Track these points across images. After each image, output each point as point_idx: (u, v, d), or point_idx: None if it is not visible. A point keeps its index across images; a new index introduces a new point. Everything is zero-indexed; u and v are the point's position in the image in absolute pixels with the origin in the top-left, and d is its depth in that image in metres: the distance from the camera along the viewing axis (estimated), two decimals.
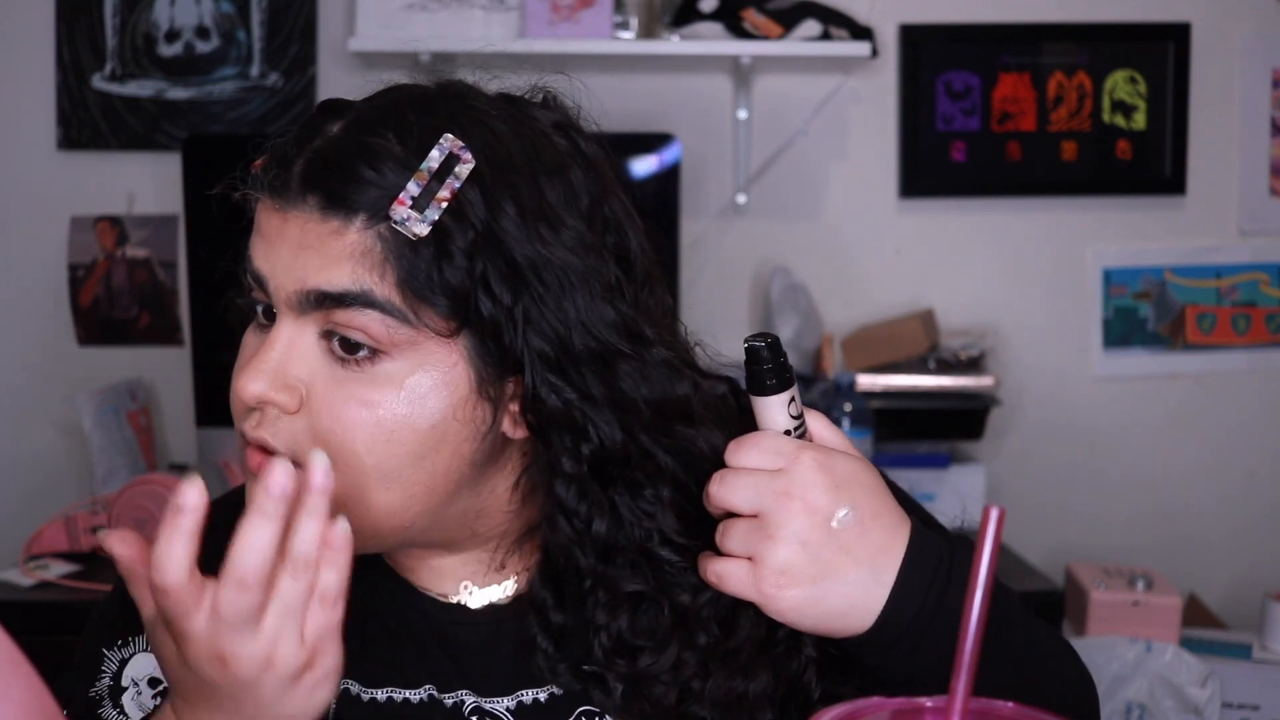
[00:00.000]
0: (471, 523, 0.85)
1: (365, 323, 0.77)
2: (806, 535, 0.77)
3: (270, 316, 0.81)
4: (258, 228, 0.81)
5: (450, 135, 0.78)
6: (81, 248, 2.49)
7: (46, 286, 2.50)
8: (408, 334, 0.78)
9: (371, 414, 0.78)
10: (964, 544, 0.82)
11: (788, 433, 0.82)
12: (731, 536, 0.79)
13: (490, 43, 2.30)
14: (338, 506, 0.75)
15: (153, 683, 0.90)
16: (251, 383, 0.78)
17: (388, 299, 0.77)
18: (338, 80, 2.47)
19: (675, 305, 0.91)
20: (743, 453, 0.80)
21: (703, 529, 0.83)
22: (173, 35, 2.48)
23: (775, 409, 0.81)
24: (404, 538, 0.84)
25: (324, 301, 0.77)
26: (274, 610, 0.71)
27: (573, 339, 0.79)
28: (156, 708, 0.80)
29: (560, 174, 0.81)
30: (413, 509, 0.81)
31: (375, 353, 0.78)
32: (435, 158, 0.77)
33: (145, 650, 0.90)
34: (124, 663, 0.90)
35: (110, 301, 2.50)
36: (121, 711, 0.89)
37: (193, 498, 0.70)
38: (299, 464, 0.74)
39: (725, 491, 0.80)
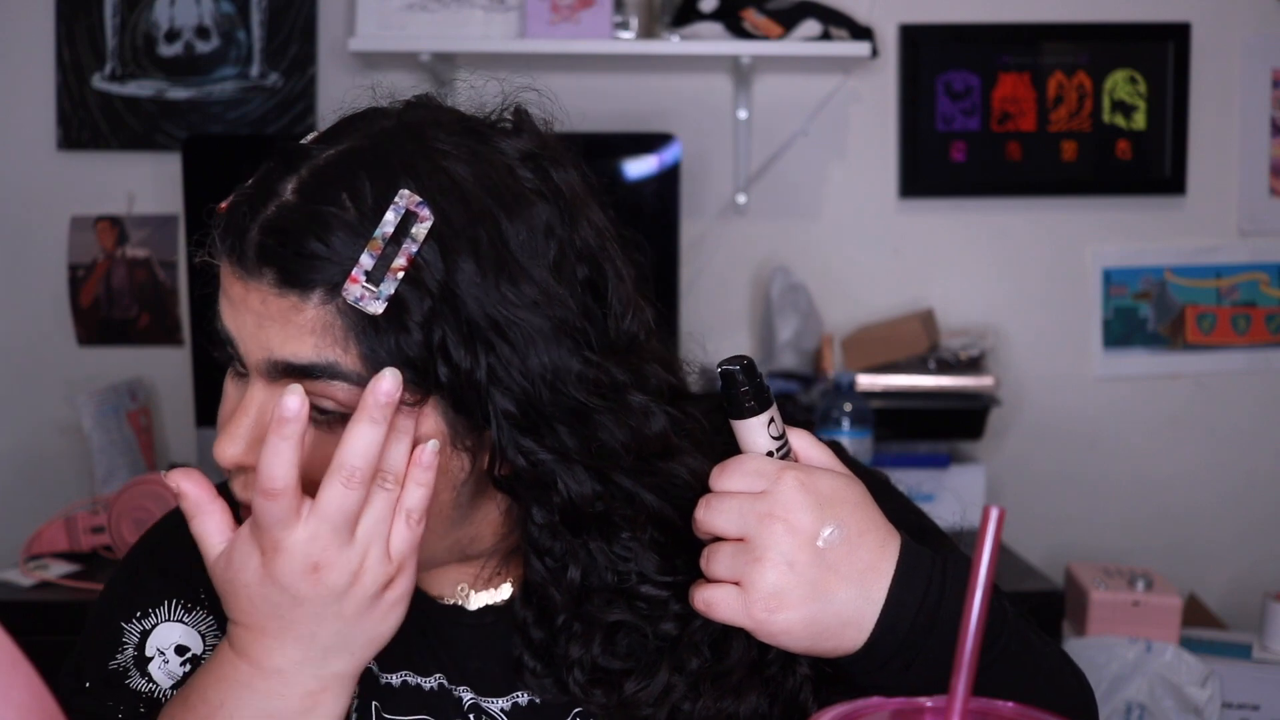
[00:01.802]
0: (465, 547, 0.86)
1: (333, 392, 0.76)
2: (793, 556, 0.77)
3: (246, 366, 0.80)
4: (223, 288, 0.79)
5: (406, 192, 0.76)
6: (81, 248, 2.49)
7: (46, 286, 2.50)
8: None
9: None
10: (956, 556, 0.81)
11: (770, 454, 0.81)
12: (718, 561, 0.79)
13: (490, 43, 2.30)
14: None
15: (180, 650, 0.90)
16: (229, 447, 0.78)
17: (353, 369, 0.76)
18: (338, 80, 2.47)
19: (675, 306, 0.91)
20: (725, 477, 0.80)
21: (692, 559, 0.82)
22: (173, 35, 2.48)
23: (755, 431, 0.81)
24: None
25: (291, 372, 0.76)
26: (366, 519, 0.75)
27: (540, 396, 0.77)
28: (214, 653, 0.81)
29: (524, 214, 0.78)
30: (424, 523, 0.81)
31: (347, 416, 0.77)
32: (390, 221, 0.75)
33: (169, 620, 0.91)
34: (145, 634, 0.90)
35: (110, 301, 2.50)
36: (150, 680, 0.89)
37: (295, 405, 0.73)
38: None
39: (710, 517, 0.79)
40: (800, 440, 0.83)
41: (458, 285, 0.75)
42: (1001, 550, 1.95)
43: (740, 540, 0.78)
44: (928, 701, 0.60)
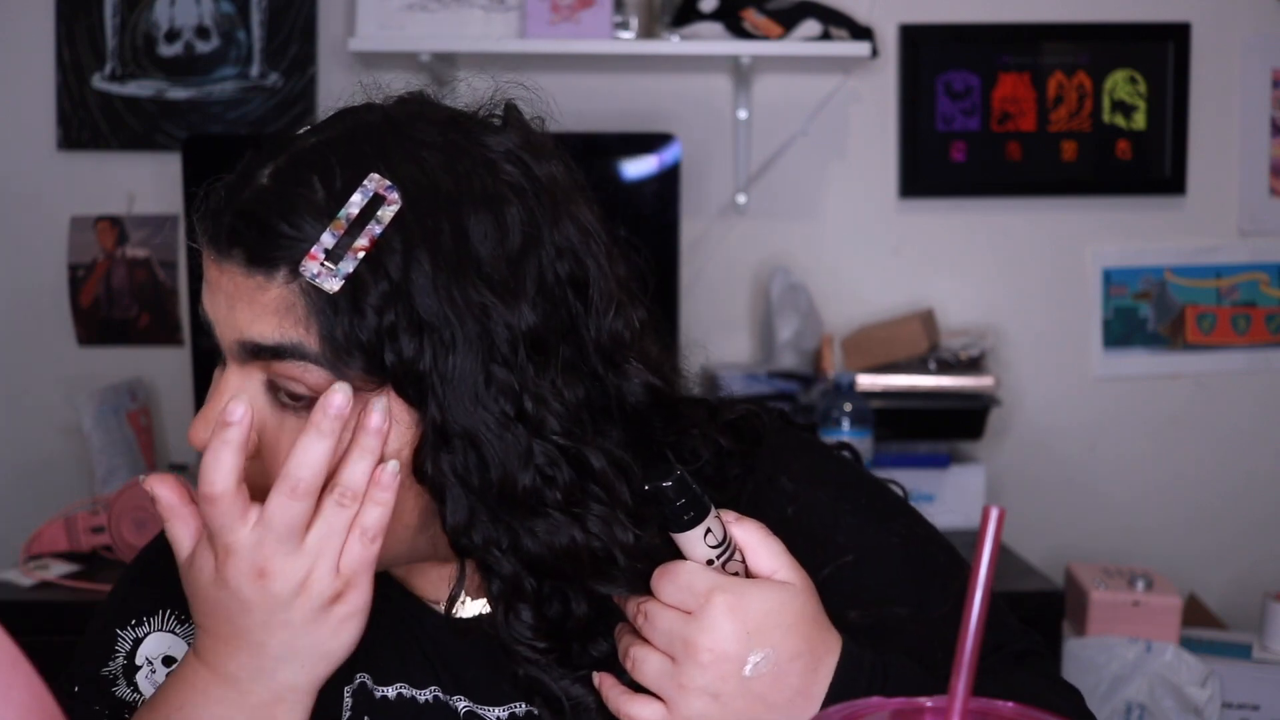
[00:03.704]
0: (436, 543, 0.85)
1: (300, 374, 0.77)
2: (717, 687, 0.76)
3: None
4: (204, 273, 0.81)
5: (376, 175, 0.77)
6: (81, 248, 2.49)
7: (46, 286, 2.50)
8: None
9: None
10: (900, 661, 0.80)
11: (710, 562, 0.79)
12: (646, 671, 0.78)
13: (490, 43, 2.30)
14: None
15: (167, 661, 0.91)
16: (200, 432, 0.78)
17: (317, 351, 0.76)
18: (338, 80, 2.47)
19: (675, 306, 0.90)
20: (661, 587, 0.79)
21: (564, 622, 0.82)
22: (173, 35, 2.48)
23: (693, 542, 0.79)
24: (385, 564, 0.83)
25: (260, 353, 0.77)
26: (316, 530, 0.76)
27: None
28: (183, 656, 0.82)
29: (492, 209, 0.78)
30: (383, 545, 0.80)
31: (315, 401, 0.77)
32: (357, 202, 0.76)
33: (160, 629, 0.91)
34: (138, 642, 0.91)
35: (110, 301, 2.50)
36: (136, 690, 0.90)
37: (238, 413, 0.74)
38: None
39: (646, 627, 0.79)
40: (749, 536, 0.80)
41: (412, 276, 0.76)
42: (1001, 550, 1.95)
43: (669, 656, 0.78)
44: (928, 701, 0.60)
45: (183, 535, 0.78)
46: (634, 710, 0.79)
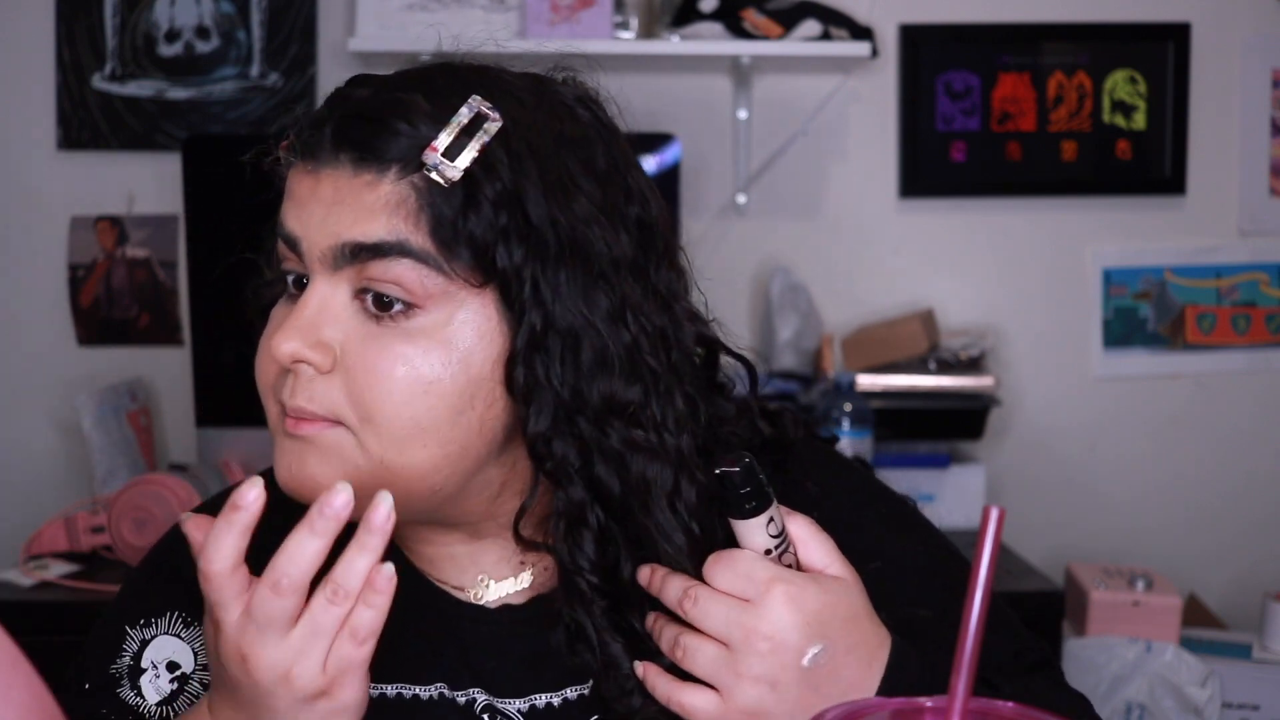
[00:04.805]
0: (493, 500, 0.85)
1: (400, 273, 0.77)
2: (776, 676, 0.76)
3: (301, 286, 0.81)
4: (289, 193, 0.81)
5: (478, 97, 0.79)
6: (81, 248, 2.49)
7: (46, 286, 2.50)
8: (441, 285, 0.78)
9: (407, 369, 0.78)
10: (945, 661, 0.80)
11: (768, 552, 0.79)
12: (698, 660, 0.78)
13: (490, 43, 2.30)
14: (373, 467, 0.78)
15: (171, 666, 0.90)
16: (285, 342, 0.78)
17: (422, 247, 0.77)
18: (338, 80, 2.45)
19: (692, 283, 0.92)
20: (717, 574, 0.79)
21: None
22: (173, 35, 2.48)
23: (754, 531, 0.79)
24: (431, 504, 0.83)
25: (359, 254, 0.77)
26: (303, 626, 0.73)
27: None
28: (196, 705, 0.82)
29: (582, 143, 0.82)
30: (445, 469, 0.80)
31: (410, 306, 0.78)
32: (465, 114, 0.78)
33: (167, 633, 0.91)
34: (145, 643, 0.91)
35: (110, 301, 2.50)
36: (139, 694, 0.89)
37: (251, 496, 0.72)
38: (342, 423, 0.78)
39: (697, 613, 0.78)
40: (802, 530, 0.81)
41: (523, 184, 0.78)
42: (1001, 550, 1.95)
43: (723, 644, 0.77)
44: (928, 702, 0.60)
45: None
46: (687, 698, 0.78)
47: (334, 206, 0.78)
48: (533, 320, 0.78)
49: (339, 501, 0.72)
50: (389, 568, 0.73)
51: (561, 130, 0.82)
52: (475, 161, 0.77)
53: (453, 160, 0.77)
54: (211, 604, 0.74)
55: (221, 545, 0.72)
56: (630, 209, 0.83)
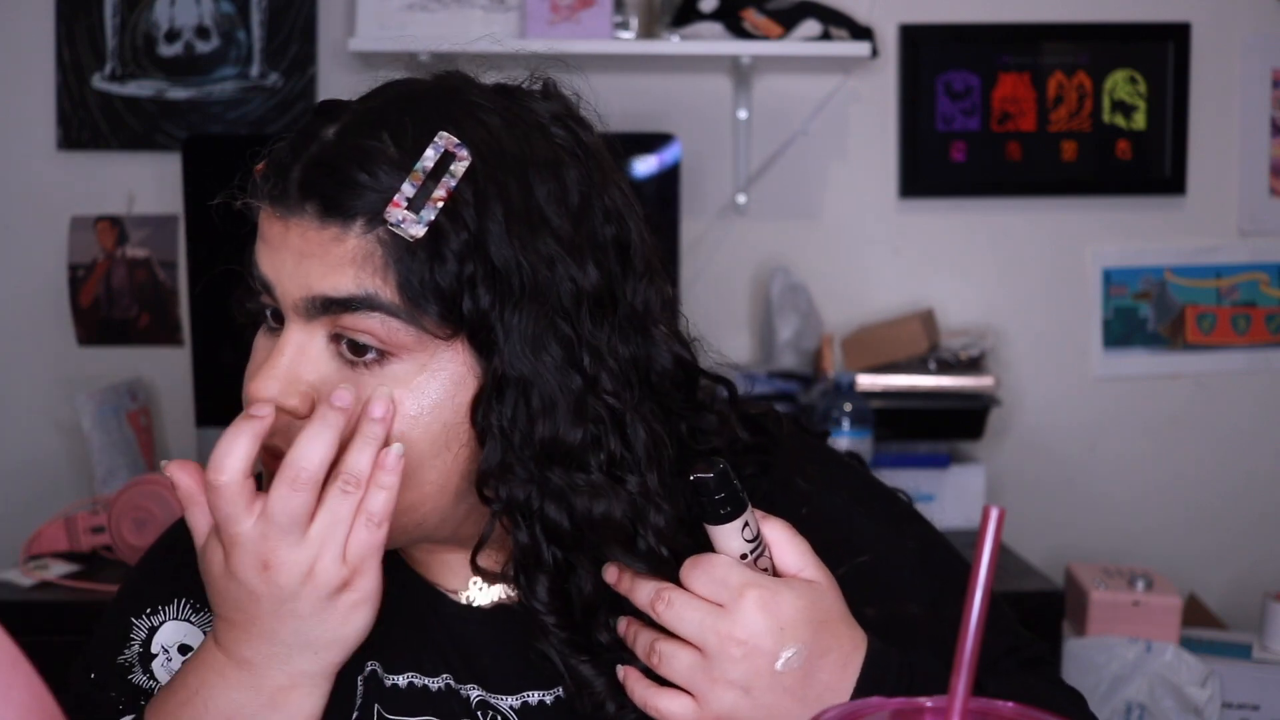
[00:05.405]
0: (480, 522, 0.85)
1: (371, 325, 0.77)
2: (750, 680, 0.77)
3: (279, 319, 0.82)
4: (261, 234, 0.81)
5: (445, 133, 0.78)
6: (81, 248, 2.49)
7: (46, 286, 2.50)
8: (413, 335, 0.78)
9: None
10: (924, 659, 0.80)
11: (744, 556, 0.79)
12: (673, 666, 0.78)
13: (490, 43, 2.30)
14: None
15: (183, 649, 0.91)
16: (264, 388, 0.79)
17: (391, 301, 0.77)
18: (338, 80, 2.47)
19: (676, 298, 0.91)
20: (692, 578, 0.79)
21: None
22: (173, 35, 2.48)
23: (729, 536, 0.79)
24: (415, 535, 0.85)
25: (330, 307, 0.78)
26: (321, 520, 0.76)
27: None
28: (202, 641, 0.83)
29: (553, 169, 0.81)
30: (425, 505, 0.82)
31: (383, 354, 0.79)
32: (430, 157, 0.77)
33: (175, 618, 0.92)
34: (153, 630, 0.92)
35: (110, 301, 2.50)
36: (152, 677, 0.90)
37: (266, 410, 0.75)
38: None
39: (671, 616, 0.78)
40: (778, 534, 0.81)
41: (488, 227, 0.77)
42: (1001, 550, 1.95)
43: (698, 650, 0.78)
44: (928, 702, 0.60)
45: (200, 522, 0.79)
46: (663, 703, 0.79)
47: (303, 257, 0.78)
48: (495, 366, 0.79)
49: (344, 395, 0.75)
50: (398, 447, 0.77)
51: (533, 155, 0.81)
52: (441, 210, 0.76)
53: (417, 213, 0.76)
54: (222, 519, 0.75)
55: (233, 451, 0.74)
56: (605, 230, 0.82)
